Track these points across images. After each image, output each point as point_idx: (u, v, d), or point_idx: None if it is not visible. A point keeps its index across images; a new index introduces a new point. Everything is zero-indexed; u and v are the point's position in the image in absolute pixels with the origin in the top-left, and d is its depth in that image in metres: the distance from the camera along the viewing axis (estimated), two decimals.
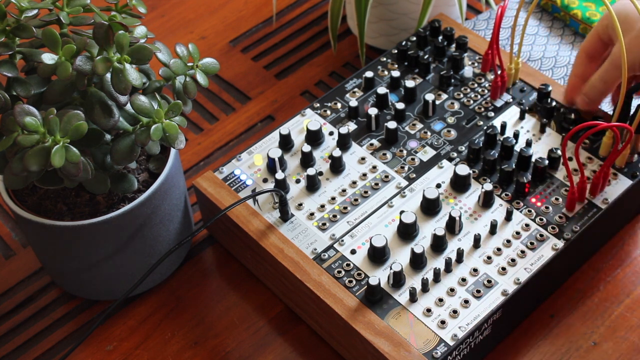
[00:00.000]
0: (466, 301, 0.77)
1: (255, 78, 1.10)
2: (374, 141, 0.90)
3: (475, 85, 0.94)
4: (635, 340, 0.82)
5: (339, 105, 0.94)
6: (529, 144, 0.87)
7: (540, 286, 0.82)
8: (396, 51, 0.98)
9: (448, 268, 0.79)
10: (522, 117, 0.90)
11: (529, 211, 0.83)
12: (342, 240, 0.82)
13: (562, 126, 0.90)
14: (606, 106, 0.93)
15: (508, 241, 0.81)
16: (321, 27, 1.15)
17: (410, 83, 0.92)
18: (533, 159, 0.86)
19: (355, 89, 0.95)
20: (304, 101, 1.06)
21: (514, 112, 0.91)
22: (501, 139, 0.88)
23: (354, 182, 0.86)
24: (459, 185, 0.85)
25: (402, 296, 0.78)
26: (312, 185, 0.86)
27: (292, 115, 0.93)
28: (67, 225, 0.77)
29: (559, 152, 0.85)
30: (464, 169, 0.84)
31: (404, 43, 0.98)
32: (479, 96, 0.93)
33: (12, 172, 0.69)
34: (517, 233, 0.81)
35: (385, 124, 0.89)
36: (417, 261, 0.79)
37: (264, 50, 1.13)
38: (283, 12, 1.18)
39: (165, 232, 0.84)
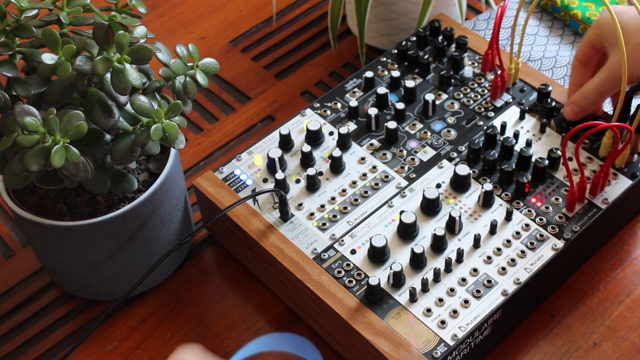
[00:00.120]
0: (466, 301, 0.77)
1: (255, 78, 1.10)
2: (374, 141, 0.90)
3: (475, 85, 0.94)
4: (635, 340, 0.82)
5: (339, 105, 0.94)
6: (529, 144, 0.87)
7: (540, 286, 0.82)
8: (396, 51, 0.98)
9: (448, 268, 0.79)
10: (522, 117, 0.90)
11: (529, 211, 0.83)
12: (342, 240, 0.82)
13: (562, 126, 0.89)
14: (606, 106, 0.93)
15: (508, 241, 0.81)
16: (321, 27, 1.15)
17: (410, 83, 0.92)
18: (533, 159, 0.86)
19: (355, 89, 0.95)
20: (304, 101, 1.06)
21: (514, 112, 0.91)
22: (501, 139, 0.88)
23: (354, 182, 0.86)
24: (459, 185, 0.85)
25: (402, 296, 0.78)
26: (312, 185, 0.86)
27: (292, 115, 0.93)
28: (67, 225, 0.77)
29: (559, 152, 0.85)
30: (464, 169, 0.84)
31: (404, 43, 0.98)
32: (479, 96, 0.93)
33: (12, 172, 0.69)
34: (517, 233, 0.81)
35: (385, 124, 0.89)
36: (417, 261, 0.79)
37: (264, 50, 1.13)
38: (283, 12, 1.18)
39: (165, 232, 0.84)
